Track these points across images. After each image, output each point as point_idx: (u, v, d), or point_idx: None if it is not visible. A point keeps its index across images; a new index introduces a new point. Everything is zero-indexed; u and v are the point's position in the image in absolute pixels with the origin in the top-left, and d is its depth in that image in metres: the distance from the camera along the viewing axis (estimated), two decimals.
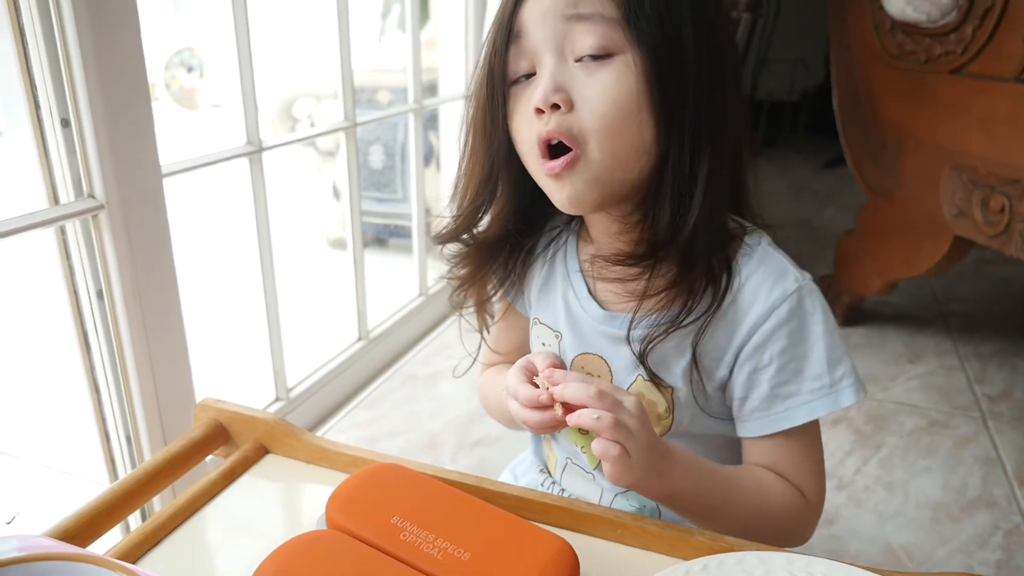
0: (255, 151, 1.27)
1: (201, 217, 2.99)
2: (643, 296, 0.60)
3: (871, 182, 1.76)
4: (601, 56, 0.55)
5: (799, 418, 0.59)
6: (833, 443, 1.42)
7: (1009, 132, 1.33)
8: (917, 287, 2.17)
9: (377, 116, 1.70)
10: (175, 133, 4.53)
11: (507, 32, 0.58)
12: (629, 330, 0.61)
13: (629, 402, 0.53)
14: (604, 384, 0.53)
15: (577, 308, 0.66)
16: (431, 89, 2.52)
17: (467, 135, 0.64)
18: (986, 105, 1.38)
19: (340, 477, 0.59)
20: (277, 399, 1.43)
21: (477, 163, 0.64)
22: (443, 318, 1.99)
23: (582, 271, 0.68)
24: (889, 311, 2.02)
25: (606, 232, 0.64)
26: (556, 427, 0.57)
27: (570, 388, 0.53)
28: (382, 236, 2.73)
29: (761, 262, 0.60)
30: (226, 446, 0.65)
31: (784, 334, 0.58)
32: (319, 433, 1.44)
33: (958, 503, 1.26)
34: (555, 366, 0.58)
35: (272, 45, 3.18)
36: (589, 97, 0.55)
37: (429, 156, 2.50)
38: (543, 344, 0.71)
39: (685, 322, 0.59)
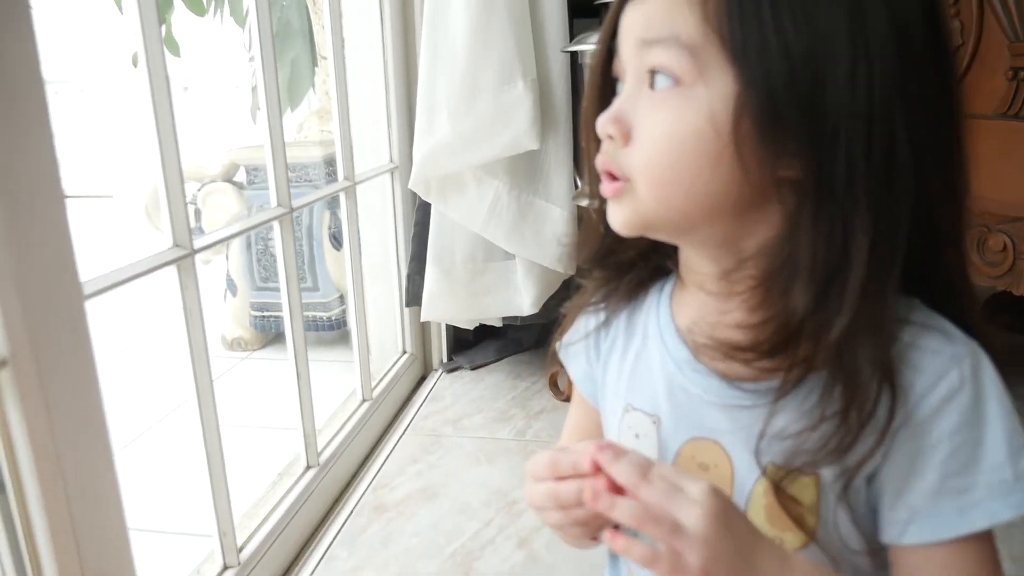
0: (185, 255, 0.98)
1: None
2: (779, 397, 0.47)
3: None
4: (669, 86, 0.46)
5: (978, 522, 0.45)
6: None
7: (1001, 169, 1.29)
8: None
9: (315, 197, 1.44)
10: None
11: (607, 37, 0.52)
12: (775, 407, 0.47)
13: (696, 490, 0.43)
14: (664, 469, 0.44)
15: (681, 380, 0.53)
16: (331, 162, 2.28)
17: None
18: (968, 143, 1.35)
19: None
20: (226, 567, 1.11)
21: (586, 156, 0.56)
22: (391, 422, 1.72)
23: (680, 334, 0.54)
24: None
25: (705, 290, 0.52)
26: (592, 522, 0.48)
27: (618, 466, 0.44)
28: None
29: (921, 325, 0.47)
30: None
31: (956, 409, 0.45)
32: None
33: None
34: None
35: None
36: (642, 131, 0.48)
37: (339, 237, 2.24)
38: (636, 436, 0.57)
39: (849, 460, 0.46)
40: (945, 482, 0.46)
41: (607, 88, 0.53)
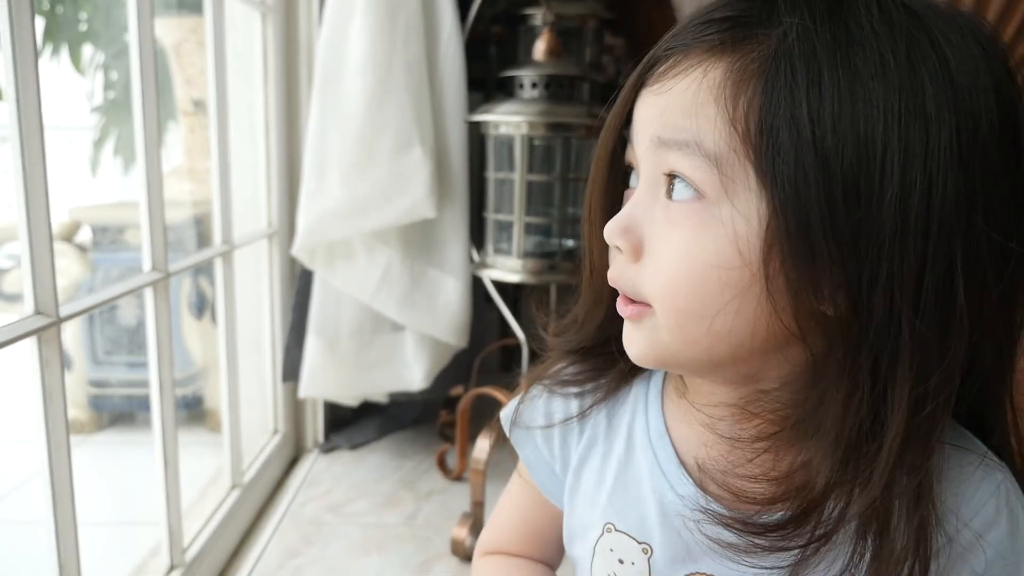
0: (50, 324, 0.83)
1: None
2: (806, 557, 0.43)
3: None
4: (690, 198, 0.41)
5: None
6: None
7: None
8: None
9: (191, 262, 1.30)
10: None
11: (618, 123, 0.47)
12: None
13: None
14: None
15: (680, 509, 0.48)
16: (201, 223, 2.11)
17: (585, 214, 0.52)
18: None
19: None
20: None
21: (588, 254, 0.52)
22: (263, 510, 1.55)
23: (679, 456, 0.49)
24: None
25: (712, 419, 0.48)
26: None
27: None
28: (132, 411, 2.15)
29: (951, 445, 0.45)
30: None
31: (991, 542, 0.44)
32: None
33: None
34: None
35: None
36: (658, 250, 0.43)
37: (202, 307, 2.05)
38: (620, 562, 0.51)
39: None
40: None
41: (616, 175, 0.48)
